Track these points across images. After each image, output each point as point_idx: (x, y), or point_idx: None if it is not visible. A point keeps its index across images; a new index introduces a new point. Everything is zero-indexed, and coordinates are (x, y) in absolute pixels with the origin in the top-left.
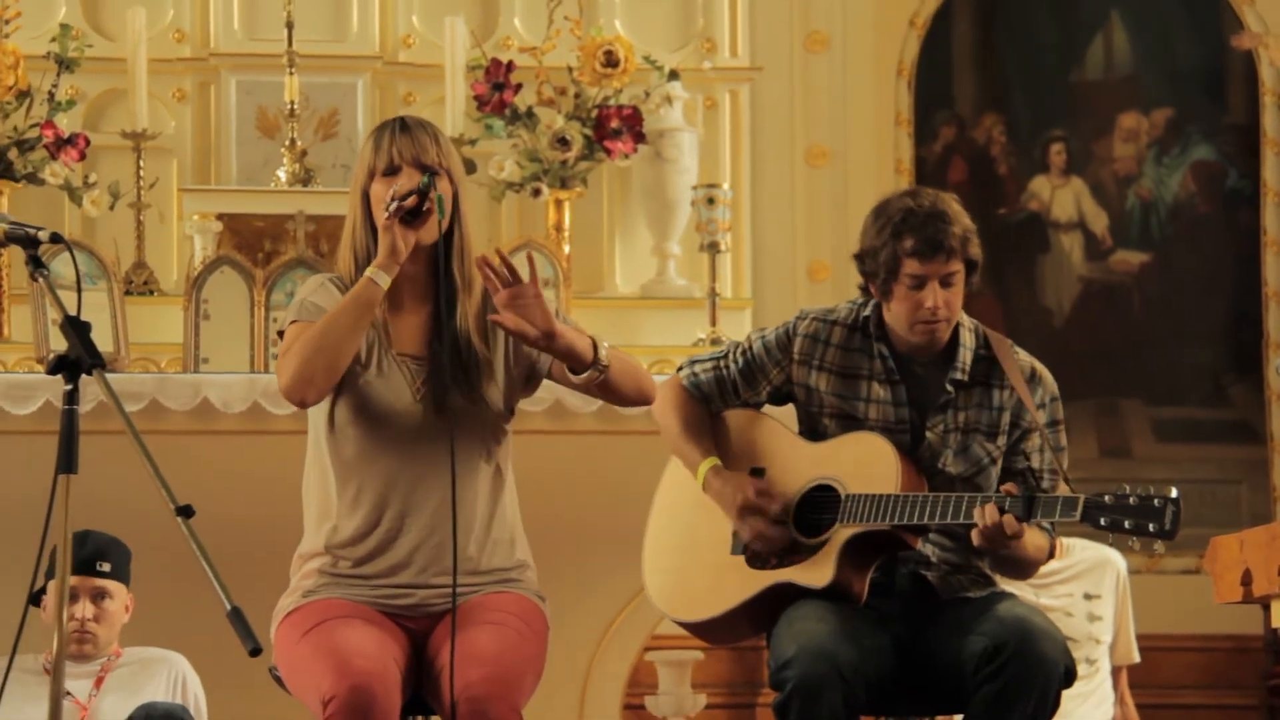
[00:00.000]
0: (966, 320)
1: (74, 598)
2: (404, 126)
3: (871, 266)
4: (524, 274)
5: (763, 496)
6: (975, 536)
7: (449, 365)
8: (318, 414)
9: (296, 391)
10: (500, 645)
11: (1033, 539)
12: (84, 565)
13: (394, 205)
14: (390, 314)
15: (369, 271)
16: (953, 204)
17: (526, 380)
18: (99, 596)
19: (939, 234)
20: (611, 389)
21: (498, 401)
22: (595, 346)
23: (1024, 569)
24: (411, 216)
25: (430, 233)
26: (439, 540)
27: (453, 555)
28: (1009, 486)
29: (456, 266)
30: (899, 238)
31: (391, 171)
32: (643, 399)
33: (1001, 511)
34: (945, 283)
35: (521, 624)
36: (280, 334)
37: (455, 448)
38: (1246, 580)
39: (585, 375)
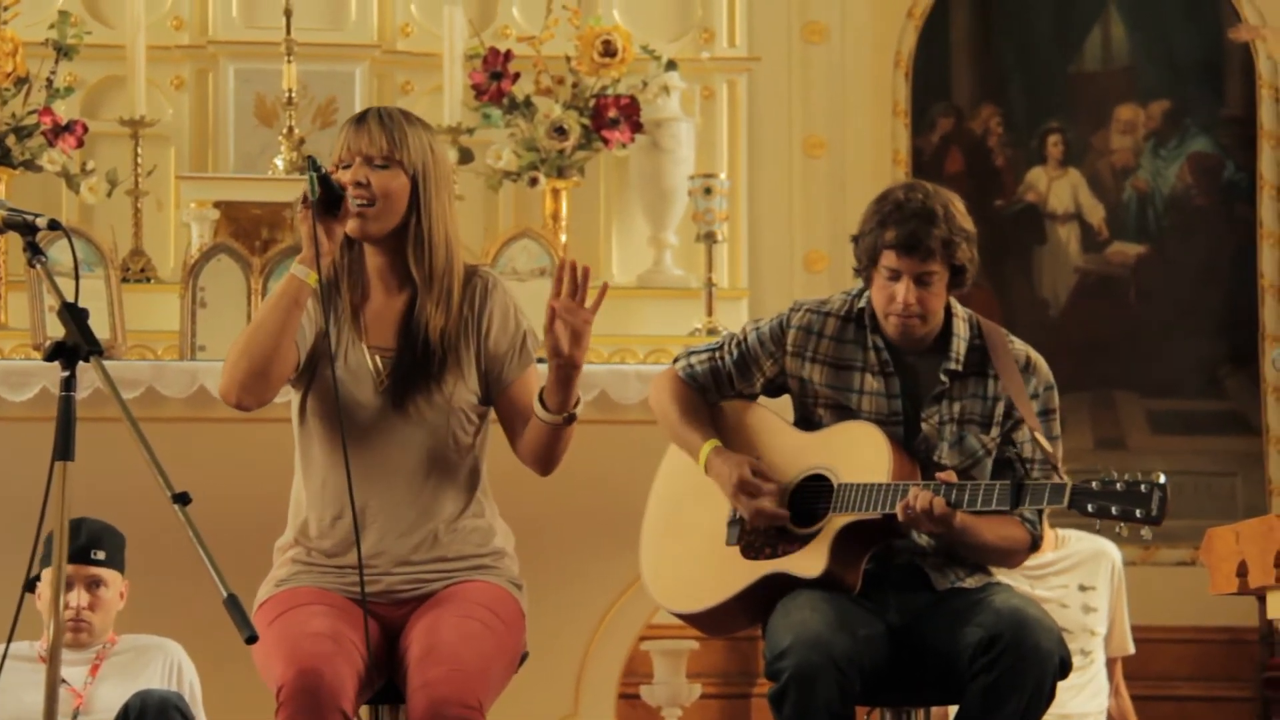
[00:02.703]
0: (960, 310)
1: (68, 586)
2: (360, 120)
3: (858, 251)
4: (590, 298)
5: (759, 476)
6: (899, 511)
7: (410, 362)
8: (293, 405)
9: (231, 396)
10: (462, 640)
11: (997, 529)
12: (78, 553)
13: (303, 199)
14: (362, 305)
15: (292, 267)
16: (950, 205)
17: (486, 390)
18: (93, 584)
19: (919, 232)
20: (554, 441)
21: (465, 396)
22: (577, 403)
23: (989, 558)
24: (327, 208)
25: (376, 224)
26: (403, 531)
27: (356, 548)
28: (947, 474)
29: (414, 260)
30: (883, 228)
31: (346, 166)
32: (549, 467)
33: (948, 503)
34: (921, 281)
35: (489, 614)
36: None
37: (415, 438)
38: (1242, 571)
39: (553, 416)
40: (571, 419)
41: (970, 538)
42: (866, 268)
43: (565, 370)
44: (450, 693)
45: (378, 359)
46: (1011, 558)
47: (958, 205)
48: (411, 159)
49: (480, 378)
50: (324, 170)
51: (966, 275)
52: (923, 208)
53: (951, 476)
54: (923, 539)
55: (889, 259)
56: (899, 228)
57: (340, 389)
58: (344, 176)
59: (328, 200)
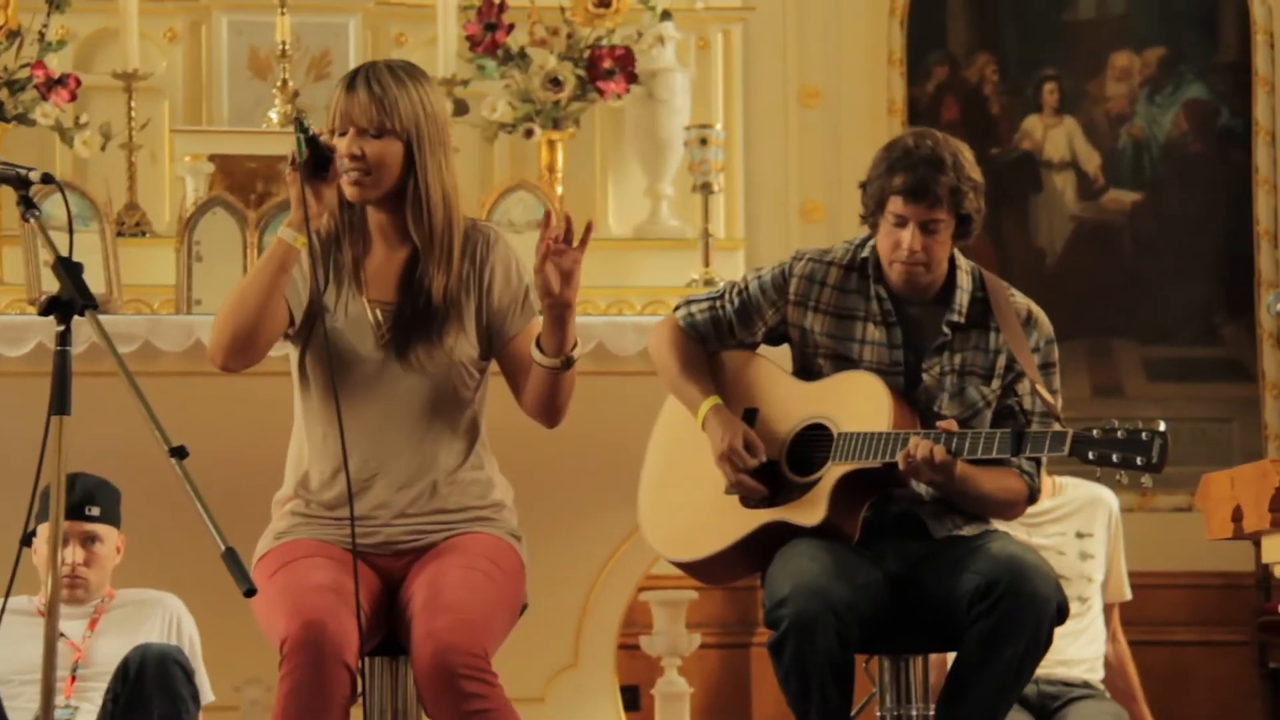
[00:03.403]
0: (964, 262)
1: (64, 542)
2: (350, 87)
3: (865, 197)
4: (578, 239)
5: (749, 448)
6: (900, 460)
7: (410, 314)
8: (292, 359)
9: (217, 359)
10: (466, 590)
11: (995, 480)
12: (73, 510)
13: (292, 161)
14: (363, 259)
15: (280, 230)
16: (959, 154)
17: (488, 344)
18: (89, 540)
19: (928, 179)
20: (556, 388)
21: (466, 349)
22: (574, 345)
23: (988, 509)
24: (317, 170)
25: (372, 190)
26: (403, 484)
27: (348, 494)
28: (948, 423)
29: (413, 221)
30: (891, 174)
31: (341, 133)
32: (554, 416)
33: (949, 451)
34: (927, 229)
35: (491, 565)
36: None
37: (415, 392)
38: (1237, 516)
39: (552, 360)
40: (569, 363)
41: (969, 487)
42: (873, 214)
43: (557, 310)
44: (456, 640)
45: (378, 312)
46: (1010, 509)
47: (966, 155)
48: (404, 123)
49: (481, 332)
50: (311, 131)
51: (973, 225)
52: (932, 155)
53: (952, 425)
54: (921, 488)
55: (896, 205)
56: (907, 174)
57: (341, 342)
58: (339, 145)
59: (316, 161)
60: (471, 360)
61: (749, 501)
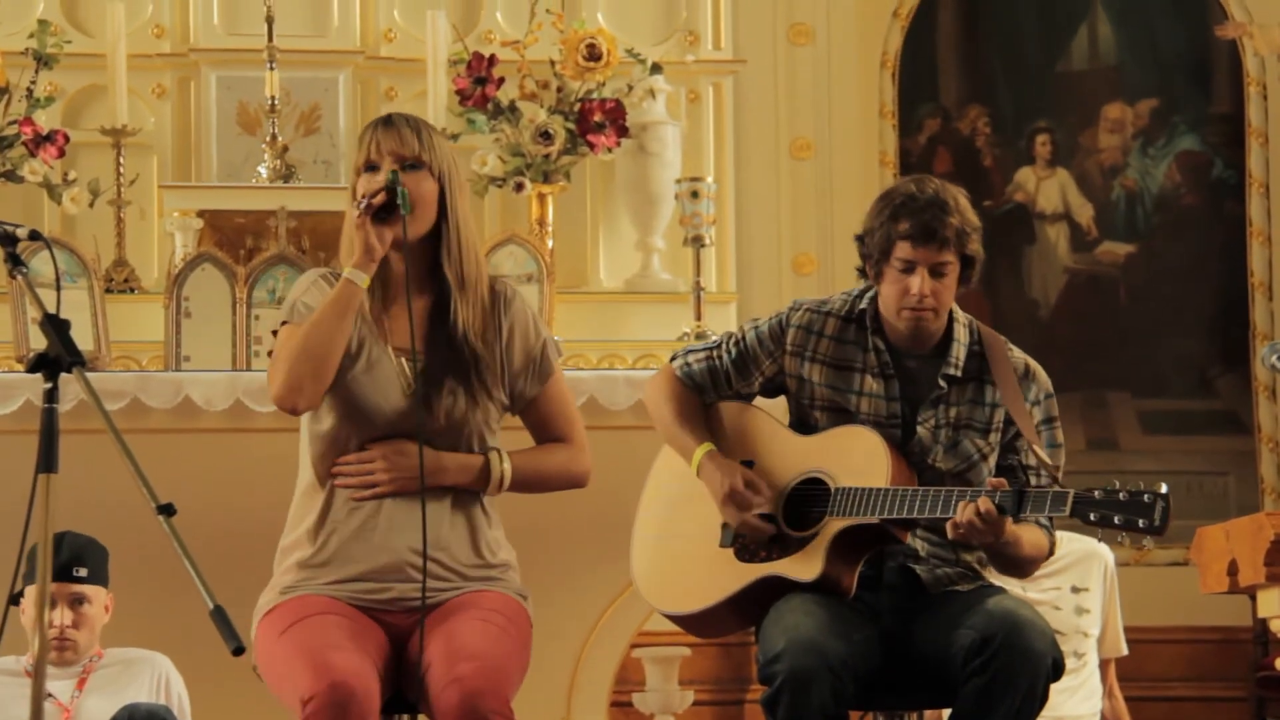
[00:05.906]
0: (961, 315)
1: (51, 604)
2: (387, 122)
3: (868, 247)
4: None
5: (750, 487)
6: (949, 530)
7: (440, 366)
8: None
9: (287, 400)
10: (487, 640)
11: (1030, 536)
12: (60, 571)
13: (364, 203)
14: (385, 309)
15: (346, 272)
16: (959, 198)
17: (510, 399)
18: (76, 602)
19: (934, 221)
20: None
21: (489, 401)
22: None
23: (1022, 567)
24: (385, 213)
25: (412, 228)
26: (416, 542)
27: (423, 549)
28: (998, 480)
29: (446, 264)
30: (895, 220)
31: (371, 168)
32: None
33: (999, 510)
34: (936, 272)
35: (505, 620)
36: (275, 334)
37: (439, 446)
38: (1233, 570)
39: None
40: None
41: (1011, 550)
42: (878, 263)
43: None
44: (482, 686)
45: (403, 361)
46: (1037, 564)
47: (965, 199)
48: (438, 161)
49: (505, 385)
50: (397, 178)
51: (975, 269)
52: (936, 198)
53: (1001, 483)
54: (916, 543)
55: (904, 250)
56: (913, 218)
57: (364, 393)
58: (375, 180)
59: (387, 206)
60: (494, 415)
61: (744, 555)
